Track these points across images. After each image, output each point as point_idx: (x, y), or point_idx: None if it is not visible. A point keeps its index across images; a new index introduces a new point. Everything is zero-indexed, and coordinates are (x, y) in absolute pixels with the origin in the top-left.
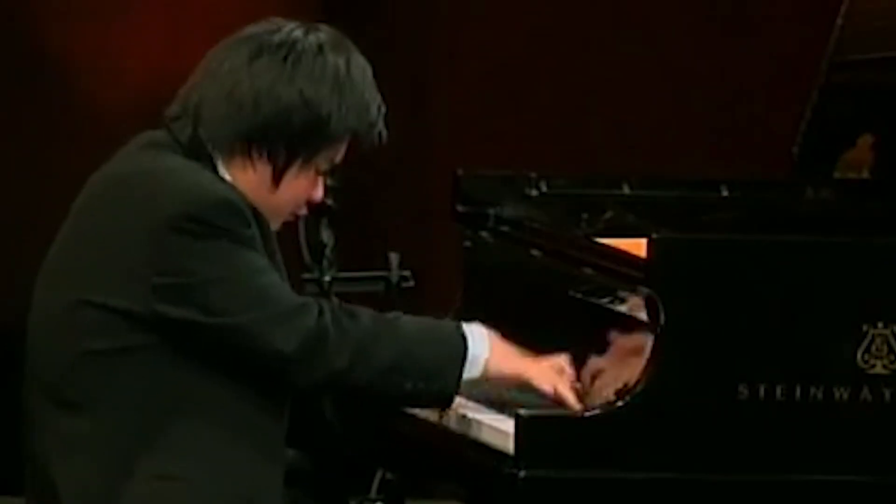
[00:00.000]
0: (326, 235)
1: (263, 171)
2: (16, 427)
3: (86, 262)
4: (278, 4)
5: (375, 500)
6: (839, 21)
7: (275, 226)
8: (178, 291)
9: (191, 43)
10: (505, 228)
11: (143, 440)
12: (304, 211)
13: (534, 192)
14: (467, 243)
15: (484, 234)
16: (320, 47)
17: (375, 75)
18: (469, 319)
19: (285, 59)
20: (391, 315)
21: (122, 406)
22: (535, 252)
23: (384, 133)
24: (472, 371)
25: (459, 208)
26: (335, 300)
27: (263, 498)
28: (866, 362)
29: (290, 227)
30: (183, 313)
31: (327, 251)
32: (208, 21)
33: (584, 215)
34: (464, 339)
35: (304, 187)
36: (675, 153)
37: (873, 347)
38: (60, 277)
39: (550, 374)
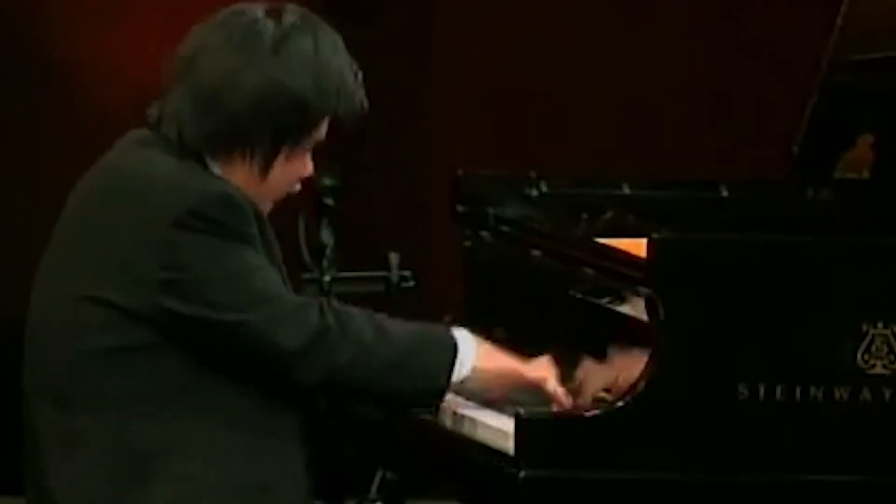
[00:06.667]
0: (326, 235)
1: (251, 164)
2: (16, 427)
3: (87, 261)
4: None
5: (375, 500)
6: (839, 21)
7: (266, 208)
8: (183, 287)
9: None
10: (505, 228)
11: (150, 440)
12: (297, 188)
13: (534, 192)
14: (467, 243)
15: (484, 234)
16: (283, 29)
17: (375, 76)
18: (469, 319)
19: (248, 45)
20: (380, 316)
21: (126, 405)
22: (535, 252)
23: (365, 102)
24: (461, 372)
25: (459, 208)
26: (334, 301)
27: (280, 486)
28: (866, 362)
29: (290, 227)
30: (191, 309)
31: (327, 251)
32: None
33: (584, 215)
34: (454, 340)
35: (294, 171)
36: (675, 153)
37: (873, 347)
38: (61, 276)
39: (539, 367)
